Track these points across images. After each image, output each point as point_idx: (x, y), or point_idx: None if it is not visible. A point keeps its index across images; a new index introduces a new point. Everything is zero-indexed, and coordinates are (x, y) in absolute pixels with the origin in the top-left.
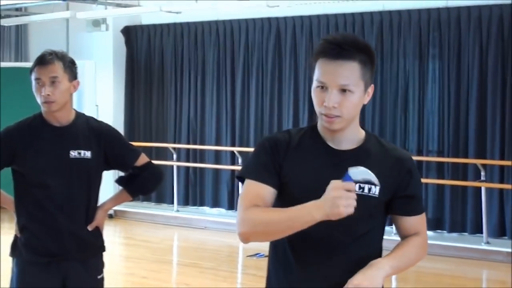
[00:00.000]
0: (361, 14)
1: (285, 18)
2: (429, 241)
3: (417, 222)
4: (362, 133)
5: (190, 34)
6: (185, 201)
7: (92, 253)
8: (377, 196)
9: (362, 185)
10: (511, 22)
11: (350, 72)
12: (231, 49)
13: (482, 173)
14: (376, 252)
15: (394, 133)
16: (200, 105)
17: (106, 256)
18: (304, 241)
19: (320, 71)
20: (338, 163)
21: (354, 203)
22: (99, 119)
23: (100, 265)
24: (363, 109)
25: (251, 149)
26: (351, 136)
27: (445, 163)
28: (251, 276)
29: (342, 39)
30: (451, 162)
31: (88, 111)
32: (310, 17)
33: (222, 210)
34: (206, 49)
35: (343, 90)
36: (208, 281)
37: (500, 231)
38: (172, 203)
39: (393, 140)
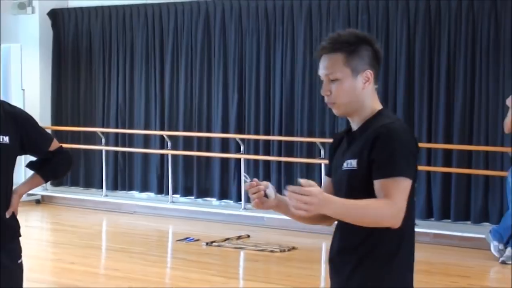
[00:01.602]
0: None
1: (214, 2)
2: None
3: (382, 186)
4: (372, 113)
5: (118, 17)
6: (114, 186)
7: (10, 238)
8: (355, 167)
9: (348, 161)
10: (438, 8)
11: (332, 63)
12: (160, 33)
13: None
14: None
15: (323, 116)
16: (129, 89)
17: (33, 242)
18: None
19: (319, 65)
20: (345, 146)
21: (253, 198)
22: (26, 103)
23: (19, 249)
24: (293, 91)
25: (181, 133)
26: (359, 118)
27: None
28: (181, 260)
29: (330, 37)
30: None
31: (15, 96)
32: (239, 1)
33: (151, 195)
34: (135, 33)
35: (332, 80)
36: (138, 266)
37: (427, 213)
38: (101, 187)
39: (322, 123)
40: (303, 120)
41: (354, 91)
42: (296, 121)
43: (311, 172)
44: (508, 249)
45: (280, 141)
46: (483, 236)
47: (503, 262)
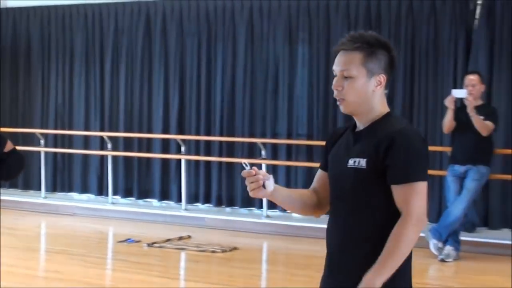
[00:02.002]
0: (231, 0)
1: (154, 3)
2: (300, 223)
3: (400, 192)
4: (380, 114)
5: (58, 17)
6: (53, 187)
7: None
8: (364, 167)
9: (354, 159)
10: (378, 7)
11: (350, 60)
12: (99, 33)
13: None
14: (380, 223)
15: (264, 116)
16: (68, 90)
17: None
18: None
19: (335, 60)
20: (350, 143)
21: (251, 187)
22: None
23: None
24: (234, 92)
25: (121, 134)
26: (367, 118)
27: (315, 146)
28: (122, 261)
29: (352, 34)
30: (321, 145)
31: None
32: (180, 2)
33: (91, 196)
34: (74, 33)
35: (346, 77)
36: (78, 268)
37: None
38: (40, 189)
39: (263, 123)
40: (244, 120)
41: (365, 92)
42: (237, 121)
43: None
44: (447, 247)
45: (221, 142)
46: (422, 234)
47: (442, 260)
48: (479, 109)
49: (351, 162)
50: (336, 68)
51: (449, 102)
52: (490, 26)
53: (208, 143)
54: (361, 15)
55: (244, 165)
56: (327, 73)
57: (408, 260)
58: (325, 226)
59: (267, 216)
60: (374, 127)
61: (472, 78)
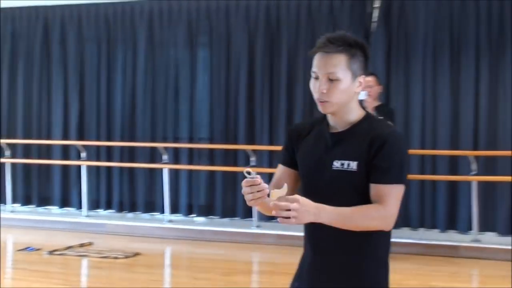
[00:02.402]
0: (131, 4)
1: (53, 7)
2: (202, 227)
3: (378, 190)
4: (359, 116)
5: None
6: None
7: None
8: (355, 170)
9: (342, 161)
10: (277, 10)
11: (336, 62)
12: None
13: (252, 158)
14: None
15: (165, 121)
16: None
17: None
18: None
19: (314, 63)
20: (329, 144)
21: (257, 195)
22: None
23: None
24: (135, 97)
25: (20, 141)
26: (345, 120)
27: (216, 150)
28: (22, 270)
29: (332, 36)
30: (222, 148)
31: None
32: (78, 6)
33: None
34: None
35: (331, 79)
36: None
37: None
38: None
39: (165, 127)
40: (145, 125)
41: (348, 94)
42: (138, 126)
43: (153, 177)
44: None
45: (122, 147)
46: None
47: None
48: (377, 110)
49: (337, 164)
50: (320, 71)
51: None
52: (387, 29)
53: (109, 148)
54: (261, 17)
55: (246, 173)
56: (227, 77)
57: (388, 257)
58: (227, 229)
59: (170, 221)
60: (358, 129)
61: (369, 80)
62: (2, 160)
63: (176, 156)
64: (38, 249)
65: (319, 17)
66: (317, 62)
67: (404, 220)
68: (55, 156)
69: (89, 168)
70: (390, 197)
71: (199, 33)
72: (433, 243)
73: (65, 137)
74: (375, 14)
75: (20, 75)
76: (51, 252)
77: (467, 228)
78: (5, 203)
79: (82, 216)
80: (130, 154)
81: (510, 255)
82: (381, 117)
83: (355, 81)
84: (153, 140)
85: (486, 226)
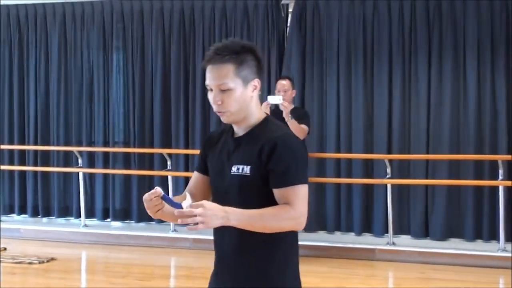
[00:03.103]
0: (43, 5)
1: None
2: (118, 232)
3: (283, 194)
4: (258, 120)
5: None
6: None
7: None
8: (248, 174)
9: (238, 166)
10: (191, 12)
11: (224, 74)
12: None
13: (169, 163)
14: None
15: (80, 124)
16: None
17: None
18: None
19: (206, 75)
20: (231, 149)
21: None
22: None
23: None
24: (48, 100)
25: None
26: (246, 124)
27: (132, 154)
28: None
29: (218, 47)
30: (138, 152)
31: None
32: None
33: None
34: None
35: (223, 90)
36: None
37: None
38: None
39: (79, 131)
40: (59, 128)
41: (244, 100)
42: (52, 129)
43: (68, 181)
44: None
45: (36, 151)
46: None
47: None
48: (292, 113)
49: (234, 169)
50: (211, 83)
51: (264, 108)
52: (302, 32)
53: (22, 152)
54: (175, 19)
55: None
56: (142, 80)
57: (296, 259)
58: (143, 233)
59: (85, 225)
60: (254, 132)
61: (283, 83)
62: None
63: (91, 160)
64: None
65: (234, 19)
66: (208, 74)
67: (320, 223)
68: None
69: (2, 172)
70: (296, 197)
71: (113, 36)
72: (349, 246)
73: None
74: (290, 17)
75: None
76: None
77: (383, 231)
78: None
79: None
80: (45, 158)
81: (424, 257)
82: (291, 119)
83: (248, 86)
84: (67, 144)
85: (401, 229)
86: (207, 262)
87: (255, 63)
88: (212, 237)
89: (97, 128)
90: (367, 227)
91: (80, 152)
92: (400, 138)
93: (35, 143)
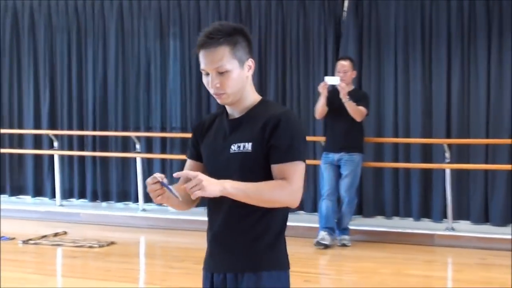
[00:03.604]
0: None
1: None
2: (176, 217)
3: (281, 169)
4: (255, 101)
5: None
6: None
7: None
8: (250, 150)
9: (238, 144)
10: (248, 8)
11: (220, 56)
12: None
13: None
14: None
15: (138, 110)
16: None
17: None
18: None
19: (201, 61)
20: (227, 131)
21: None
22: None
23: None
24: (106, 87)
25: None
26: (242, 106)
27: (189, 139)
28: None
29: (209, 30)
30: None
31: None
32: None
33: None
34: None
35: (220, 72)
36: None
37: None
38: None
39: (137, 117)
40: (117, 114)
41: (241, 81)
42: (110, 115)
43: (127, 166)
44: (321, 232)
45: (94, 136)
46: (298, 224)
47: (318, 243)
48: (350, 94)
49: (234, 147)
50: (208, 67)
51: (322, 88)
52: (359, 17)
53: (81, 137)
54: (231, 6)
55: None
56: (198, 66)
57: (284, 237)
58: (201, 218)
59: (143, 210)
60: (254, 113)
61: (344, 64)
62: None
63: (149, 145)
64: (12, 239)
65: (290, 8)
66: (203, 59)
67: (378, 208)
68: (27, 146)
69: (62, 157)
70: (293, 173)
71: (169, 23)
72: (408, 231)
73: (37, 127)
74: (346, 3)
75: None
76: (25, 242)
77: (442, 217)
78: None
79: (55, 205)
80: (103, 144)
81: (484, 243)
82: (349, 101)
83: (244, 66)
84: (125, 130)
85: (460, 214)
86: None
87: (246, 44)
88: None
89: (155, 113)
90: (425, 212)
91: (138, 138)
92: (459, 122)
93: (94, 129)
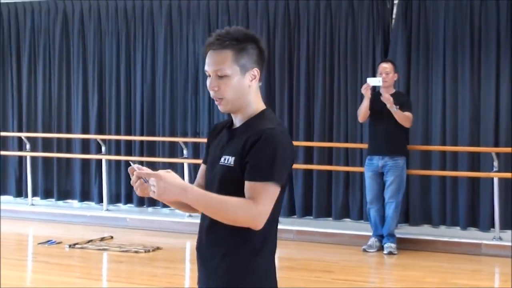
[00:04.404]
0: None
1: (72, 2)
2: None
3: (251, 188)
4: (255, 112)
5: None
6: None
7: None
8: (232, 165)
9: (225, 157)
10: (296, 7)
11: (222, 59)
12: (16, 33)
13: None
14: None
15: (185, 116)
16: None
17: None
18: None
19: (206, 61)
20: (225, 141)
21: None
22: None
23: None
24: (154, 91)
25: (40, 134)
26: (243, 115)
27: None
28: (43, 263)
29: (220, 32)
30: None
31: None
32: (98, 1)
33: (9, 198)
34: None
35: (220, 76)
36: None
37: (289, 211)
38: None
39: (184, 122)
40: (164, 119)
41: (241, 88)
42: (158, 120)
43: (174, 171)
44: (371, 239)
45: (142, 141)
46: (344, 231)
47: (364, 250)
48: (393, 98)
49: (222, 159)
50: (209, 68)
51: (365, 90)
52: (407, 25)
53: (129, 142)
54: (279, 14)
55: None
56: None
57: (269, 259)
58: None
59: (190, 216)
60: (248, 124)
61: (385, 66)
62: (23, 153)
63: (196, 150)
64: (58, 243)
65: (338, 14)
66: (207, 59)
67: (425, 217)
68: (75, 150)
69: (109, 162)
70: (261, 195)
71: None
72: (455, 240)
73: (85, 131)
74: (395, 10)
75: (40, 69)
76: (71, 246)
77: (489, 226)
78: (26, 196)
79: (102, 210)
80: (150, 149)
81: None
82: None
83: (246, 74)
84: (173, 135)
85: (507, 224)
86: (310, 254)
87: (256, 52)
88: (315, 229)
89: (202, 119)
90: (472, 221)
91: (185, 143)
92: (508, 131)
93: (141, 134)
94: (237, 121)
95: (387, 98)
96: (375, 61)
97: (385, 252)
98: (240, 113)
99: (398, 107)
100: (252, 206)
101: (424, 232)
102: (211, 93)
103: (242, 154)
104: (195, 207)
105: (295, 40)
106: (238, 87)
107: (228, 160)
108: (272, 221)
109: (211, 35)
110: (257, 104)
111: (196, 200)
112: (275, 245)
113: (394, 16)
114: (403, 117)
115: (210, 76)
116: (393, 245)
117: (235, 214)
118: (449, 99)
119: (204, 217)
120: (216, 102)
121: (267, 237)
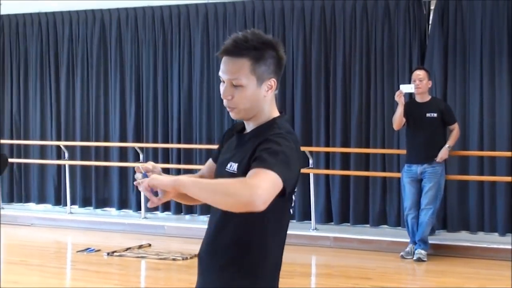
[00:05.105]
0: (187, 6)
1: (109, 10)
2: None
3: (251, 171)
4: (267, 119)
5: (11, 26)
6: (10, 198)
7: None
8: (235, 171)
9: (231, 163)
10: (332, 10)
11: (238, 68)
12: (54, 42)
13: (310, 161)
14: (251, 220)
15: (222, 123)
16: (23, 99)
17: None
18: None
19: (220, 67)
20: (233, 145)
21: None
22: None
23: None
24: (191, 99)
25: (78, 143)
26: (255, 122)
27: None
28: (82, 271)
29: (238, 37)
30: None
31: None
32: (135, 9)
33: (48, 206)
34: (29, 42)
35: (235, 85)
36: (37, 278)
37: (326, 217)
38: None
39: (221, 130)
40: (201, 127)
41: (256, 98)
42: (195, 128)
43: None
44: (410, 245)
45: (179, 149)
46: (382, 238)
47: (402, 257)
48: (429, 104)
49: (228, 165)
50: (224, 76)
51: (398, 97)
52: (444, 30)
53: (166, 150)
54: (316, 18)
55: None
56: (283, 79)
57: (273, 271)
58: (288, 232)
59: None
60: (258, 131)
61: (418, 73)
62: (61, 162)
63: None
64: (97, 250)
65: (374, 19)
66: (222, 66)
67: (462, 223)
68: (113, 158)
69: None
70: (260, 175)
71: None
72: (493, 246)
73: (123, 139)
74: (431, 15)
75: (78, 78)
76: (110, 254)
77: None
78: (64, 204)
79: (140, 218)
80: (187, 156)
81: None
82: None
83: (262, 85)
84: (209, 142)
85: None
86: (348, 261)
87: (274, 61)
88: (352, 236)
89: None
90: (511, 227)
91: None
92: None
93: (179, 142)
94: (249, 127)
95: (441, 157)
96: (411, 66)
97: (414, 258)
98: (252, 120)
99: (448, 146)
100: (248, 181)
101: (462, 238)
102: (224, 101)
103: (244, 160)
104: (191, 191)
105: (331, 45)
106: (252, 98)
107: (232, 166)
108: (274, 235)
109: (228, 38)
110: (270, 112)
111: (192, 182)
112: (278, 264)
113: (430, 21)
114: (457, 136)
115: (224, 82)
116: (424, 252)
117: (229, 189)
118: (486, 104)
119: (210, 224)
120: (228, 110)
121: (267, 252)
